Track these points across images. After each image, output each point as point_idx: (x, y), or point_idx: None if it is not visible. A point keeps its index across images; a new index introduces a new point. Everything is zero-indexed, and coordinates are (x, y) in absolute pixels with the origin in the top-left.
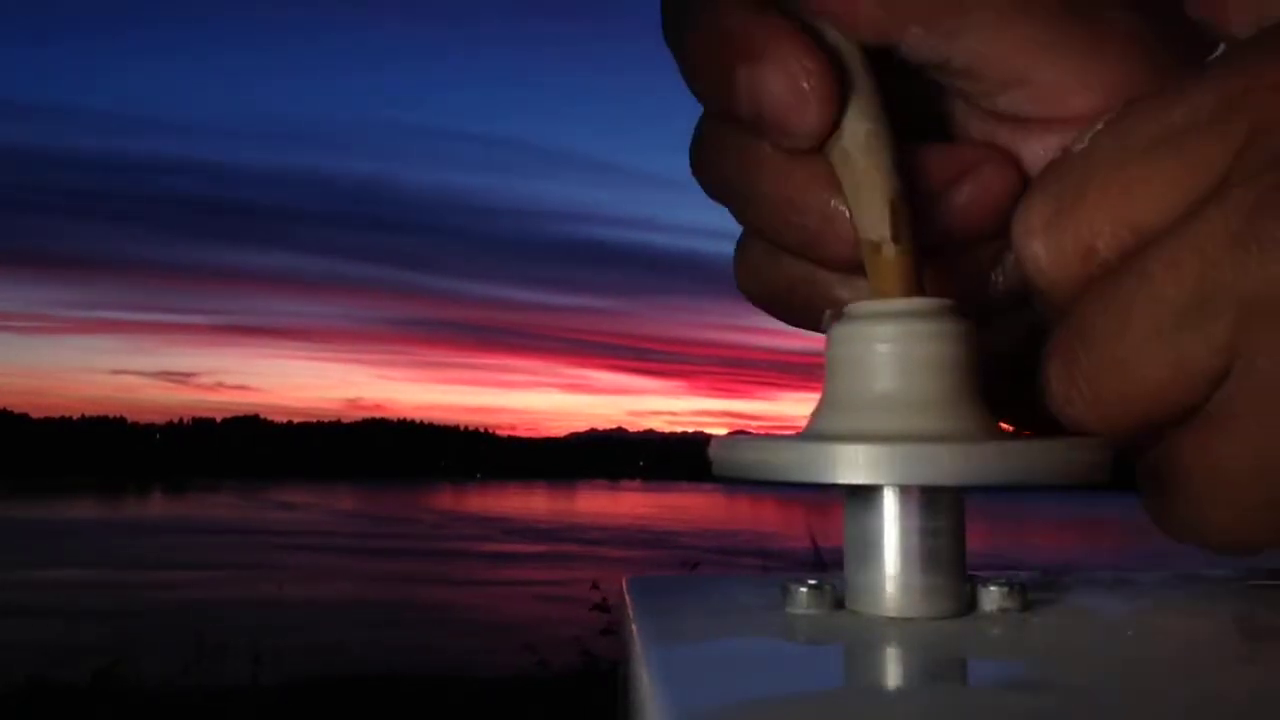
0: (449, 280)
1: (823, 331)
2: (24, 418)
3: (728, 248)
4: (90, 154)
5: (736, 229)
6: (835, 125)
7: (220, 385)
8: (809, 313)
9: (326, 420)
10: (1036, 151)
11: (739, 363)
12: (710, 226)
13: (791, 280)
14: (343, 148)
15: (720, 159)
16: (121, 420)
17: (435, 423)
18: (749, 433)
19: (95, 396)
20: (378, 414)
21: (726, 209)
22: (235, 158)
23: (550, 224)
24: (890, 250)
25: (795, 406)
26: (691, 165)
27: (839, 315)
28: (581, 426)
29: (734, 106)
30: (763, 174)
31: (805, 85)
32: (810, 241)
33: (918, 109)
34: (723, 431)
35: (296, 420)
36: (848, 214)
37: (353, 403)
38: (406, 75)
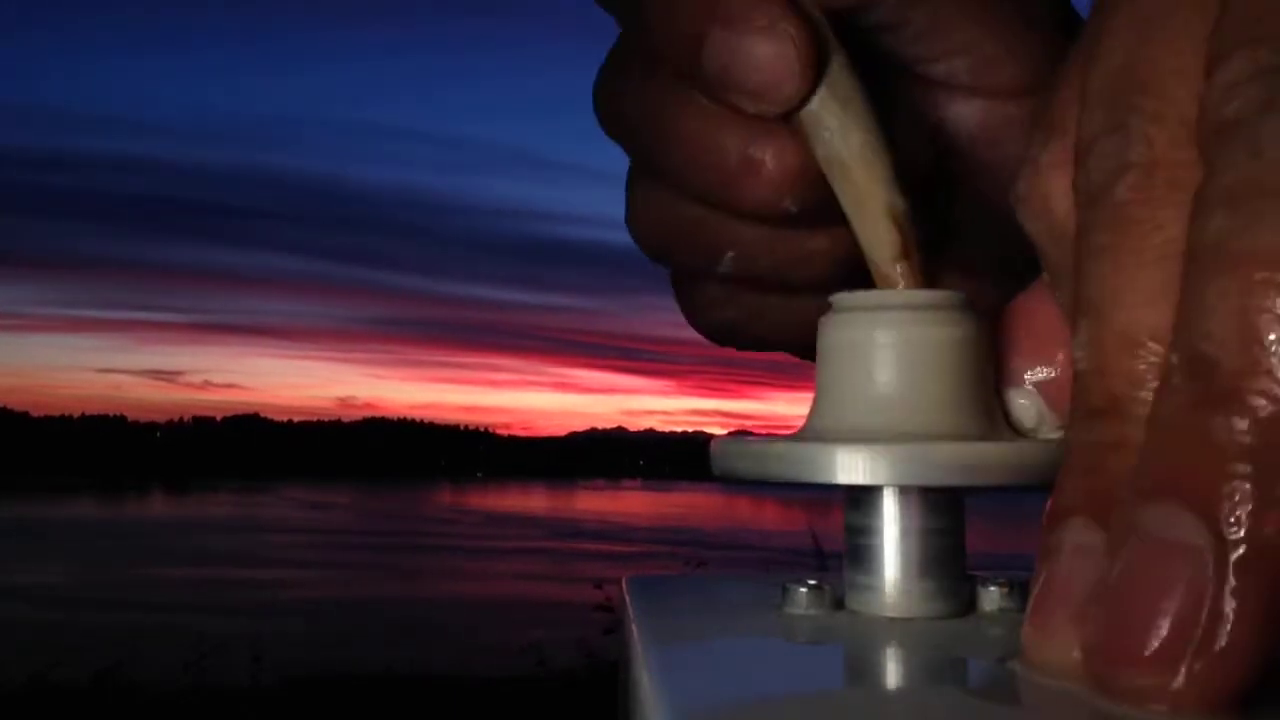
0: (430, 280)
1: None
2: (24, 416)
3: None
4: (57, 153)
5: None
6: (808, 98)
7: (209, 384)
8: (707, 257)
9: (327, 420)
10: (962, 116)
11: (727, 362)
12: None
13: (692, 223)
14: (311, 148)
15: (636, 97)
16: (121, 419)
17: (435, 422)
18: (749, 433)
19: (87, 395)
20: (370, 413)
21: (626, 148)
22: (202, 157)
23: (519, 223)
24: (900, 269)
25: (788, 407)
26: (596, 100)
27: (829, 304)
28: (574, 426)
29: (698, 67)
30: (684, 115)
31: (792, 53)
32: (726, 184)
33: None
34: (719, 431)
35: (297, 419)
36: (779, 155)
37: (344, 401)
38: (373, 76)
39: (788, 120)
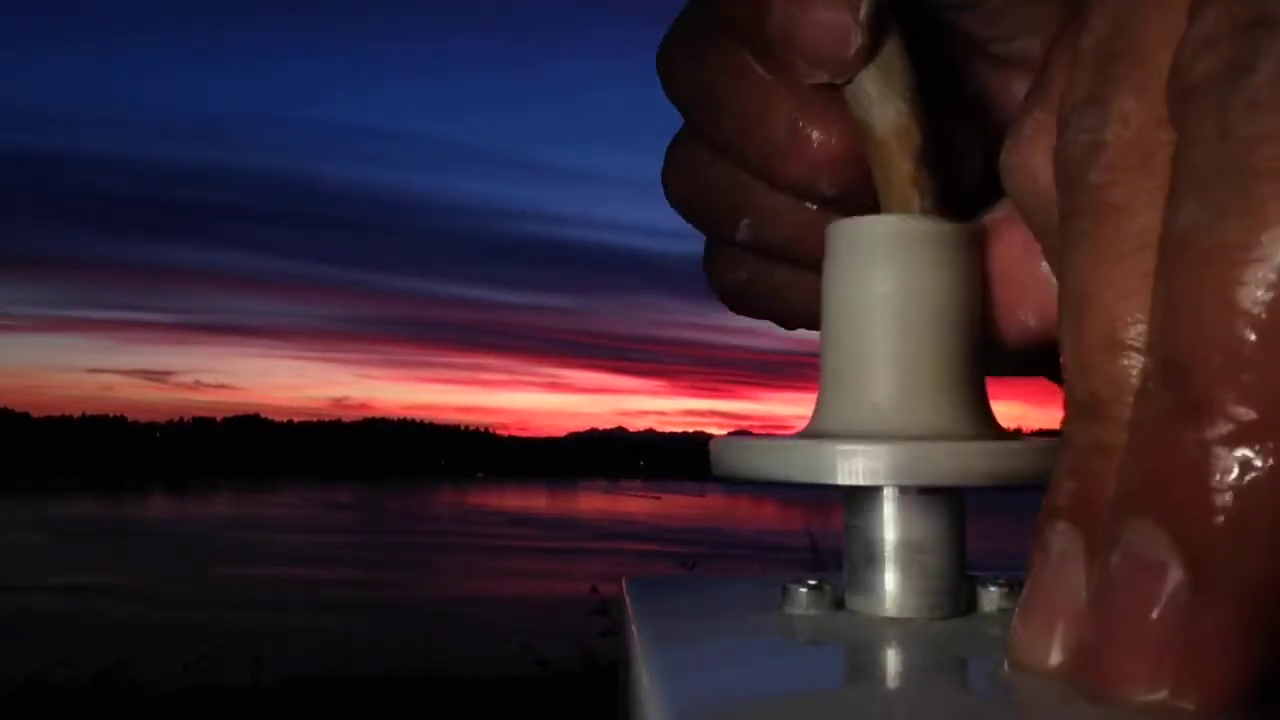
0: (415, 280)
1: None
2: (25, 417)
3: (673, 245)
4: (35, 153)
5: (681, 227)
6: (861, 66)
7: (200, 384)
8: (730, 220)
9: (327, 420)
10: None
11: (719, 362)
12: (649, 224)
13: (723, 187)
14: (292, 147)
15: (696, 63)
16: (121, 420)
17: (434, 422)
18: (749, 433)
19: (79, 396)
20: (364, 413)
21: (681, 110)
22: (182, 156)
23: (502, 223)
24: None
25: (783, 407)
26: (660, 60)
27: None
28: (568, 426)
29: (761, 28)
30: (741, 85)
31: (850, 21)
32: (769, 158)
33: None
34: (718, 431)
35: (297, 420)
36: (822, 133)
37: (339, 402)
38: (355, 77)
39: (837, 92)
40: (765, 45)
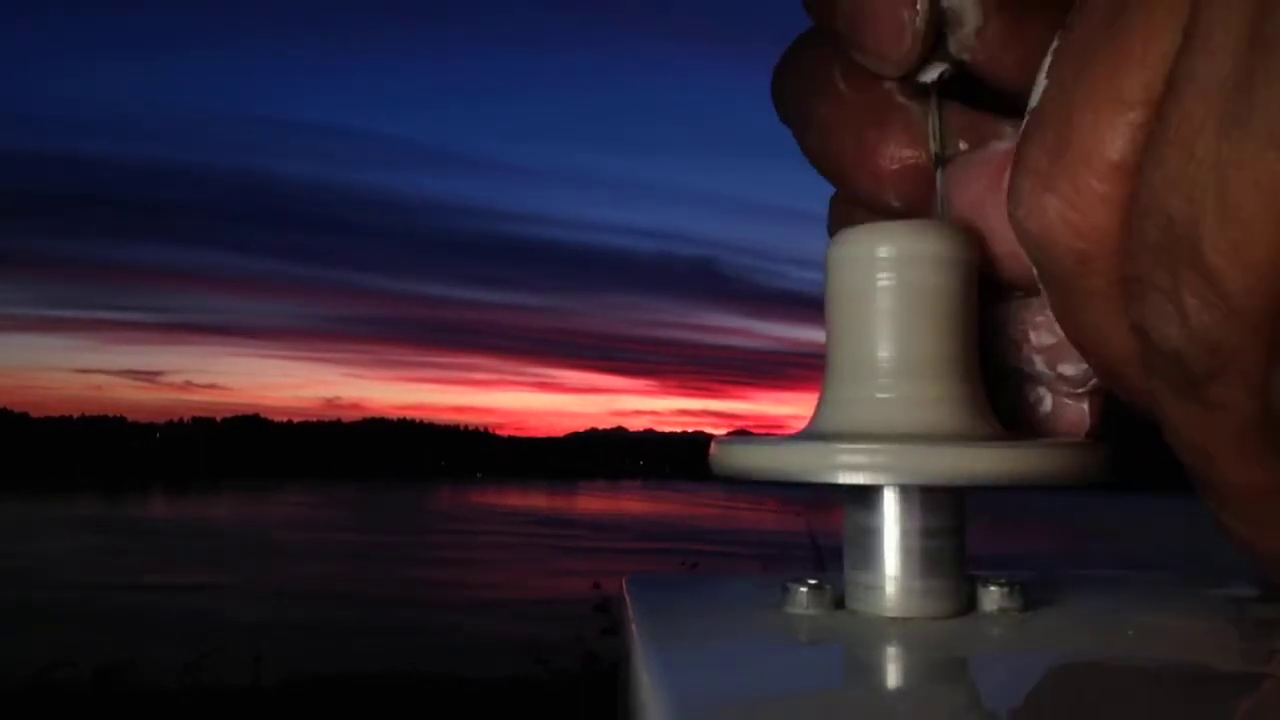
0: (400, 280)
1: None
2: (24, 417)
3: (659, 246)
4: (13, 153)
5: (667, 228)
6: (920, 63)
7: (190, 384)
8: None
9: (327, 420)
10: None
11: (708, 362)
12: (635, 225)
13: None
14: (274, 148)
15: (793, 78)
16: (121, 420)
17: (434, 423)
18: (749, 432)
19: (67, 395)
20: (356, 413)
21: (786, 124)
22: (162, 156)
23: (484, 223)
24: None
25: (775, 406)
26: (772, 88)
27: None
28: (562, 426)
29: (832, 19)
30: (823, 97)
31: (904, 11)
32: (843, 172)
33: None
34: (713, 431)
35: (296, 420)
36: (884, 145)
37: (331, 402)
38: (334, 79)
39: (908, 96)
40: (838, 40)
